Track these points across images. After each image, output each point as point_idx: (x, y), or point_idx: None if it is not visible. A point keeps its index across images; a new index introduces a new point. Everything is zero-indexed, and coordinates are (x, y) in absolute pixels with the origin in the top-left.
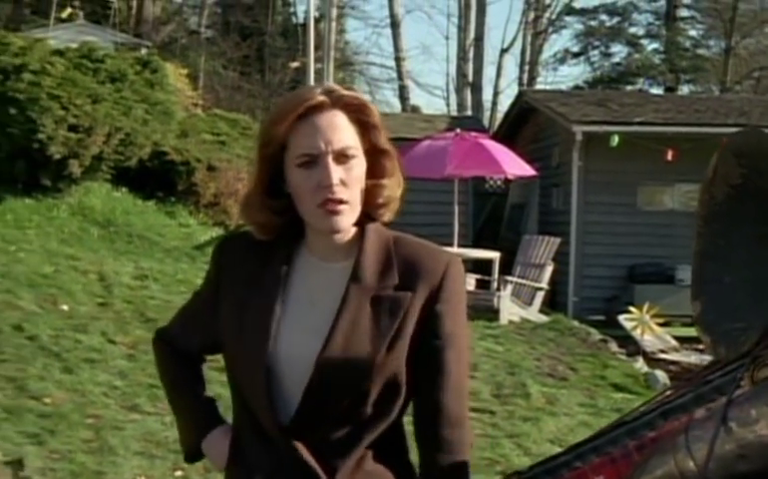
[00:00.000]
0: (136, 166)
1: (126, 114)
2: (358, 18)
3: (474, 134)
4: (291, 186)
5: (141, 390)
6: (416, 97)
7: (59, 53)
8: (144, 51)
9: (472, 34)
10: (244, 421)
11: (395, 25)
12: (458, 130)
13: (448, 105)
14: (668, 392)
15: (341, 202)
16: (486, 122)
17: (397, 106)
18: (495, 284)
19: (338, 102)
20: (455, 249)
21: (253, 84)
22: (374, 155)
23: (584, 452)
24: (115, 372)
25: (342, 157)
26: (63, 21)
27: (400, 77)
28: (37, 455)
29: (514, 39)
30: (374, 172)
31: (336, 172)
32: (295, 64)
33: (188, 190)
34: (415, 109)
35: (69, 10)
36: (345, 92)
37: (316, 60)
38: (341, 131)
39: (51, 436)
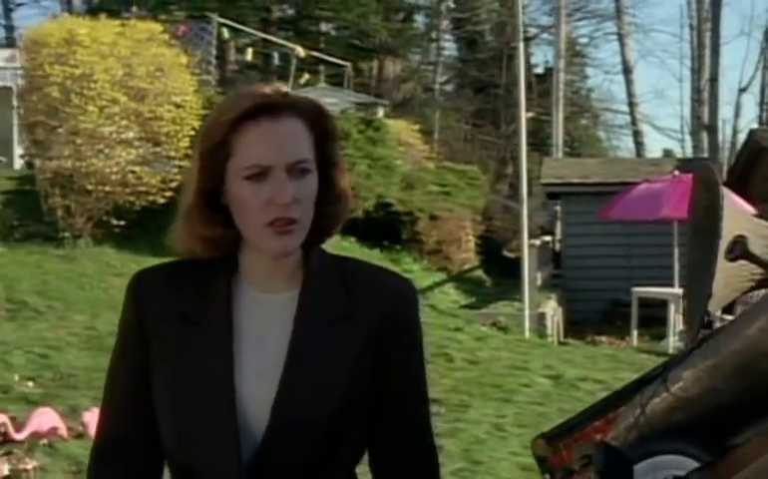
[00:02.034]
0: (363, 217)
1: (350, 170)
2: (592, 66)
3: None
4: (234, 199)
5: None
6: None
7: None
8: (381, 110)
9: (706, 75)
10: None
11: (627, 71)
12: (676, 172)
13: (683, 148)
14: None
15: (292, 221)
16: (724, 163)
17: (632, 150)
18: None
19: (294, 106)
20: (675, 290)
21: (487, 136)
22: (326, 168)
23: (591, 415)
24: None
25: (296, 170)
26: (303, 86)
27: (634, 122)
28: None
29: (752, 78)
30: (326, 187)
31: (290, 187)
32: (530, 114)
33: (411, 238)
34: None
35: (306, 76)
36: (300, 95)
37: (547, 109)
38: (297, 140)
39: None
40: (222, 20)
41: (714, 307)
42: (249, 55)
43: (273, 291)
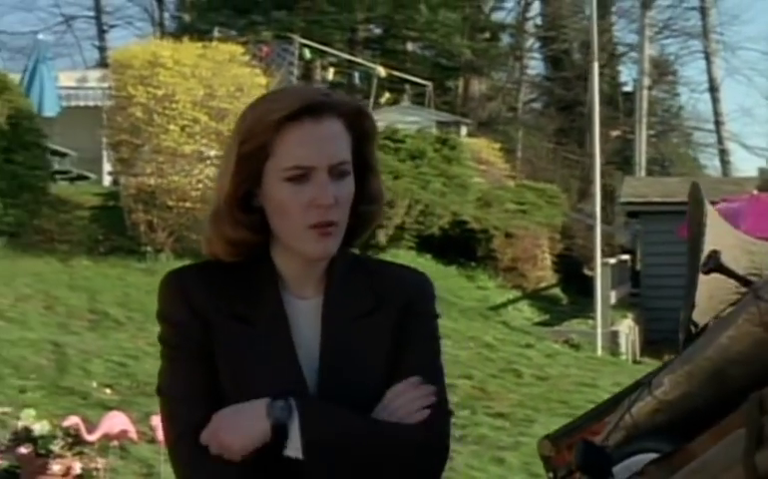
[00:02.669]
0: (438, 234)
1: (424, 187)
2: (679, 83)
3: None
4: (273, 200)
5: None
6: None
7: None
8: (463, 129)
9: None
10: None
11: (714, 89)
12: (754, 191)
13: None
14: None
15: (333, 223)
16: None
17: (718, 169)
18: None
19: (335, 106)
20: None
21: (572, 154)
22: (362, 169)
23: (591, 417)
24: None
25: (337, 172)
26: (384, 105)
27: (720, 140)
28: None
29: None
30: (361, 188)
31: (331, 189)
32: (616, 133)
33: (487, 255)
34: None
35: (387, 95)
36: (341, 95)
37: (632, 127)
38: (338, 141)
39: None
40: (304, 41)
41: (701, 318)
42: (331, 74)
43: (305, 296)
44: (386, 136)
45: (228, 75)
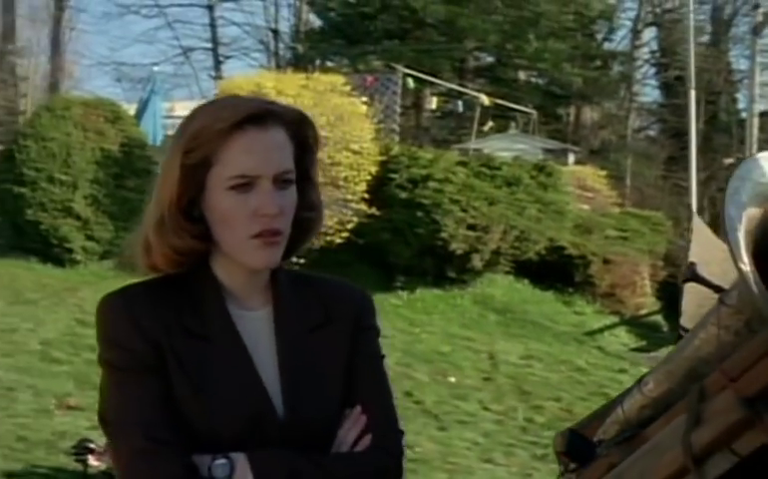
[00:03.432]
0: (535, 259)
1: (520, 213)
2: None
3: None
4: (216, 209)
5: (499, 447)
6: None
7: (462, 163)
8: (571, 156)
9: None
10: None
11: None
12: None
13: None
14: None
15: (278, 232)
16: None
17: None
18: None
19: (279, 115)
20: None
21: (682, 182)
22: (303, 180)
23: (597, 416)
24: (481, 432)
25: (281, 181)
26: (487, 133)
27: None
28: None
29: None
30: (302, 200)
31: (276, 198)
32: (729, 160)
33: (584, 281)
34: None
35: (491, 123)
36: (285, 104)
37: (744, 154)
38: (283, 150)
39: (411, 475)
40: (407, 70)
41: (690, 324)
42: (434, 103)
43: (251, 307)
44: (482, 163)
45: (329, 104)
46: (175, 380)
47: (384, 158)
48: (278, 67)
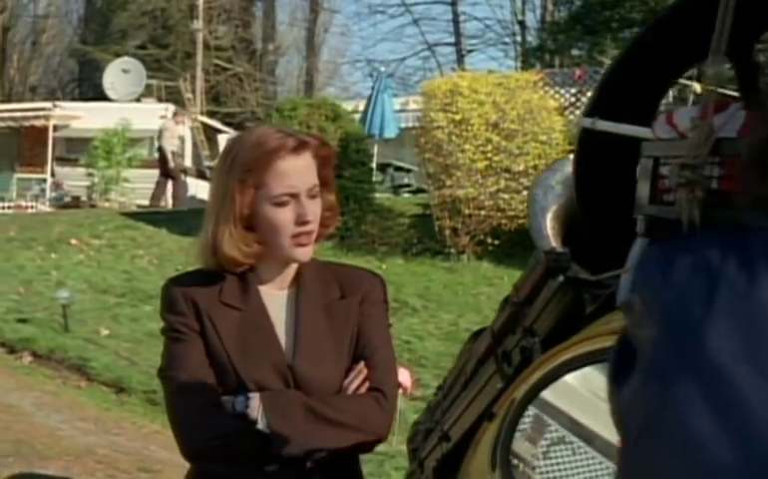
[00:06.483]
0: None
1: None
2: None
3: None
4: (266, 219)
5: None
6: None
7: None
8: None
9: None
10: None
11: None
12: None
13: None
14: None
15: (311, 232)
16: None
17: None
18: None
19: (307, 143)
20: None
21: None
22: (324, 187)
23: None
24: None
25: (312, 194)
26: None
27: None
28: None
29: None
30: (322, 203)
31: (310, 207)
32: None
33: None
34: None
35: None
36: (309, 134)
37: None
38: (310, 171)
39: None
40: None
41: None
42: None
43: (281, 288)
44: None
45: (520, 100)
46: (214, 341)
47: (571, 147)
48: (524, 60)
